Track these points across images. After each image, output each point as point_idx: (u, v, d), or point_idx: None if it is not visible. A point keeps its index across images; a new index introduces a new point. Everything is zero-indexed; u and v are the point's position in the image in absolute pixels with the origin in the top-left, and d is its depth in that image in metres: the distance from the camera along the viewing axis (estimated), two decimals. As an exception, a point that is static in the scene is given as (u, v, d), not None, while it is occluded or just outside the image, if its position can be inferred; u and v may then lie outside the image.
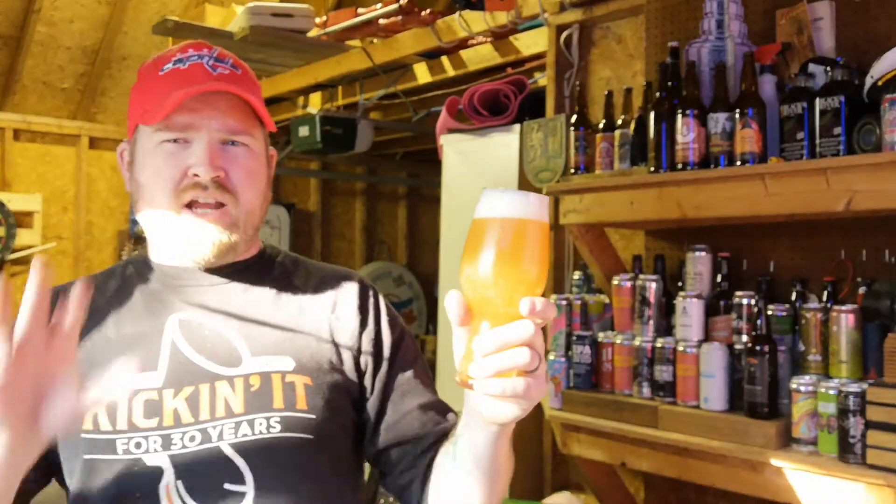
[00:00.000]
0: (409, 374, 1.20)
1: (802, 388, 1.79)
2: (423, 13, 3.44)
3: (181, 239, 1.14)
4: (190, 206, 1.13)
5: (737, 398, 1.94)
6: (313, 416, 1.11)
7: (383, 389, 1.19)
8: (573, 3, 2.75)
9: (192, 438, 1.07)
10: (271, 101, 4.65)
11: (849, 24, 2.02)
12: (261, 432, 1.08)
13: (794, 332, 1.92)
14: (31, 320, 0.87)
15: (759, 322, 1.89)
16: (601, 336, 2.22)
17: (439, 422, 1.17)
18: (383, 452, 1.18)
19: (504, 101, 2.99)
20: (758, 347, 1.86)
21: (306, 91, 4.40)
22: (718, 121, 1.93)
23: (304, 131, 4.17)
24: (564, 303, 2.35)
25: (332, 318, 1.19)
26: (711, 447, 1.90)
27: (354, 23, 3.79)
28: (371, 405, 1.18)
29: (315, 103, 4.48)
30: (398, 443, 1.17)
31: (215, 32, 3.93)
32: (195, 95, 1.12)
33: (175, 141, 1.13)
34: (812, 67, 1.91)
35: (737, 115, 1.91)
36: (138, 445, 1.06)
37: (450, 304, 0.83)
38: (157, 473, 1.05)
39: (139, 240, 5.34)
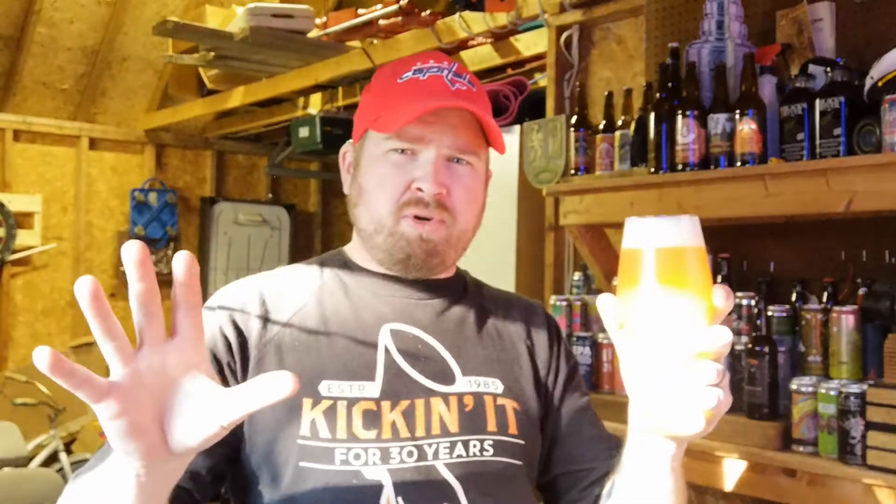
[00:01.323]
0: (583, 403, 1.20)
1: (803, 389, 1.79)
2: (423, 14, 3.44)
3: (397, 245, 1.12)
4: (409, 216, 1.11)
5: (737, 399, 1.94)
6: (523, 442, 1.11)
7: (560, 418, 1.18)
8: (573, 4, 2.75)
9: (410, 454, 1.03)
10: (271, 102, 4.65)
11: (849, 25, 2.02)
12: (475, 454, 1.06)
13: (794, 333, 1.92)
14: (143, 325, 0.71)
15: (759, 323, 1.89)
16: (601, 337, 2.22)
17: (612, 455, 1.11)
18: (552, 481, 1.18)
19: (504, 101, 2.99)
20: (758, 348, 1.86)
21: (306, 92, 4.40)
22: (718, 121, 1.93)
23: (304, 132, 4.17)
24: (564, 304, 2.35)
25: (528, 344, 1.20)
26: (711, 448, 1.90)
27: (354, 23, 3.78)
28: (548, 433, 1.17)
29: (315, 104, 4.48)
30: (569, 472, 1.16)
31: (215, 33, 3.93)
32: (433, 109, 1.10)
33: (403, 151, 1.11)
34: (812, 68, 1.91)
35: (737, 116, 1.91)
36: (357, 457, 1.02)
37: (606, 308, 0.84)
38: (377, 487, 1.01)
39: (139, 240, 5.33)
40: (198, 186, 5.67)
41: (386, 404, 1.05)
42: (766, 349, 1.85)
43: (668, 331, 0.79)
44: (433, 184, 1.09)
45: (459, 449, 1.05)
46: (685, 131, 1.97)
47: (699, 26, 2.11)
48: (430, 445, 1.05)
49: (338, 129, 4.10)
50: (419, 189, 1.10)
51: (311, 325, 1.11)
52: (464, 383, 1.10)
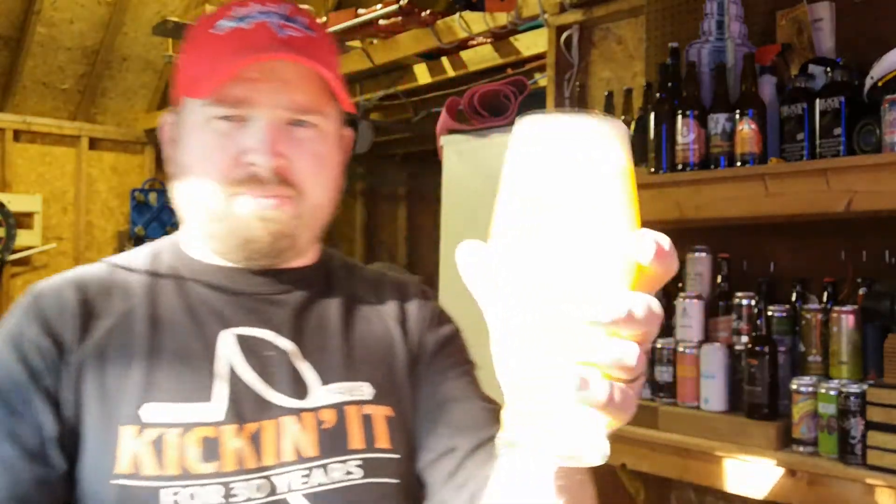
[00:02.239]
0: (457, 373, 1.02)
1: (803, 389, 1.79)
2: (423, 14, 3.44)
3: (232, 230, 0.93)
4: (245, 195, 0.93)
5: (737, 399, 1.94)
6: (398, 456, 0.93)
7: (429, 397, 1.00)
8: (573, 4, 2.74)
9: (259, 488, 0.86)
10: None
11: (849, 25, 2.01)
12: (338, 480, 0.89)
13: (794, 333, 1.92)
14: None
15: (759, 323, 1.89)
16: (601, 337, 2.22)
17: (480, 426, 0.95)
18: (424, 473, 0.97)
19: (504, 101, 2.99)
20: (758, 348, 1.86)
21: (306, 92, 4.40)
22: (718, 121, 1.93)
23: (304, 132, 4.16)
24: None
25: (402, 329, 1.02)
26: (712, 448, 1.90)
27: (354, 23, 3.78)
28: (419, 421, 0.98)
29: (315, 104, 4.47)
30: (436, 458, 0.95)
31: (215, 33, 3.93)
32: (255, 64, 0.91)
33: (228, 119, 0.92)
34: (812, 68, 1.91)
35: (737, 116, 1.91)
36: (192, 497, 0.83)
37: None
38: None
39: (139, 241, 5.34)
40: (198, 186, 5.67)
41: (228, 429, 0.87)
42: (766, 349, 1.85)
43: (553, 291, 0.52)
44: (268, 154, 0.91)
45: (318, 476, 0.88)
46: (685, 131, 1.97)
47: (699, 26, 2.11)
48: (282, 476, 0.87)
49: (338, 129, 4.10)
50: (251, 163, 0.91)
51: (137, 333, 0.91)
52: (322, 395, 0.92)
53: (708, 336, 2.03)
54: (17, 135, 5.04)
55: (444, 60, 3.48)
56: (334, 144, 0.99)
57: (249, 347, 0.93)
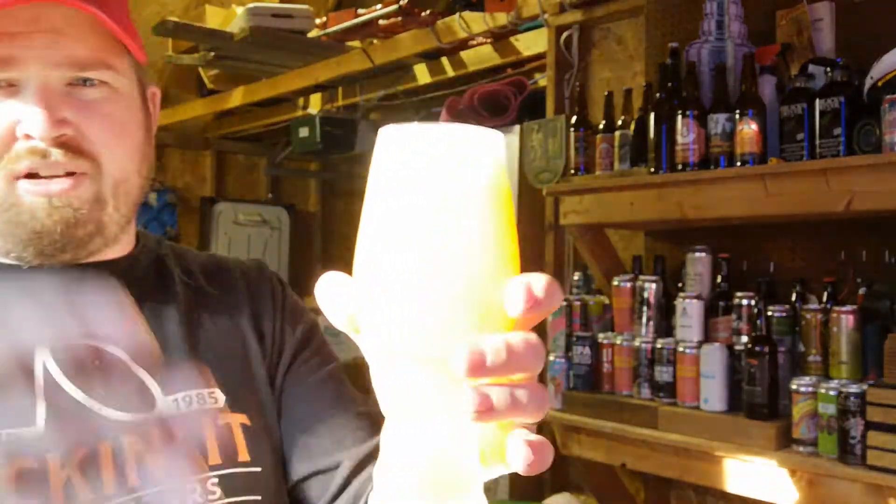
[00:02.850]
0: (322, 374, 0.90)
1: (802, 389, 1.79)
2: (423, 14, 3.44)
3: (17, 222, 0.77)
4: (29, 177, 0.77)
5: (737, 399, 1.94)
6: (259, 469, 0.81)
7: (291, 401, 0.89)
8: (573, 4, 2.74)
9: None
10: (271, 102, 4.65)
11: (849, 25, 2.01)
12: (195, 502, 0.76)
13: (794, 333, 1.92)
14: None
15: (759, 323, 1.89)
16: (601, 337, 2.22)
17: (368, 437, 0.86)
18: (298, 491, 0.87)
19: (504, 101, 2.99)
20: (758, 348, 1.86)
21: (306, 92, 4.40)
22: (718, 121, 1.93)
23: (304, 132, 4.17)
24: (564, 304, 2.35)
25: (253, 322, 0.90)
26: (711, 448, 1.90)
27: (354, 23, 3.78)
28: (282, 426, 0.88)
29: (315, 104, 4.48)
30: (314, 474, 0.86)
31: (215, 33, 3.94)
32: (12, 10, 0.74)
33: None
34: (812, 68, 1.91)
35: (737, 116, 1.91)
36: None
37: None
38: None
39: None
40: (198, 186, 5.67)
41: (53, 457, 0.72)
42: (766, 349, 1.85)
43: (414, 339, 0.45)
44: (47, 122, 0.74)
45: (173, 502, 0.75)
46: (685, 131, 1.97)
47: (699, 26, 2.11)
48: None
49: (338, 130, 4.10)
50: (27, 136, 0.75)
51: None
52: (168, 405, 0.79)
53: (708, 336, 2.03)
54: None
55: (444, 60, 3.48)
56: (133, 105, 0.83)
57: (70, 358, 0.77)
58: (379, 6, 3.63)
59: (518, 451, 0.45)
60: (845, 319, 1.80)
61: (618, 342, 2.16)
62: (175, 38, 4.32)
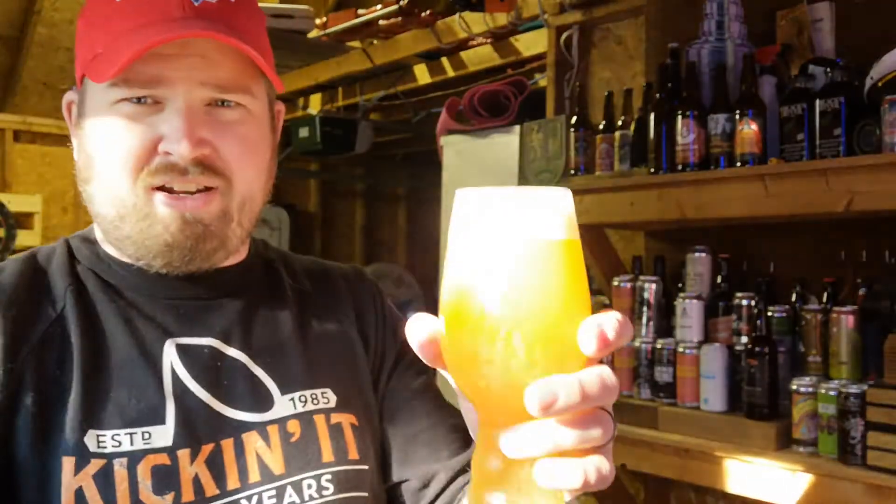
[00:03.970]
0: (418, 385, 0.94)
1: (802, 390, 1.79)
2: (423, 14, 3.44)
3: (151, 232, 0.81)
4: (163, 189, 0.81)
5: (737, 399, 1.94)
6: (367, 467, 0.85)
7: (391, 410, 0.92)
8: (573, 5, 2.74)
9: None
10: (271, 102, 4.66)
11: (849, 25, 2.02)
12: (311, 498, 0.80)
13: (794, 334, 1.92)
14: None
15: (759, 323, 1.88)
16: (601, 337, 2.22)
17: (462, 448, 0.89)
18: (393, 494, 0.91)
19: (504, 101, 2.99)
20: (758, 348, 1.86)
21: (306, 92, 4.41)
22: (718, 122, 1.93)
23: (304, 132, 4.17)
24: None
25: (358, 325, 0.94)
26: (711, 448, 1.90)
27: (354, 24, 3.78)
28: (390, 435, 0.92)
29: (315, 104, 4.48)
30: (408, 480, 0.90)
31: (215, 33, 3.93)
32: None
33: (139, 101, 0.79)
34: (812, 68, 1.91)
35: (737, 116, 1.91)
36: None
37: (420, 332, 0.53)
38: None
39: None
40: (198, 187, 5.67)
41: (183, 454, 0.77)
42: (766, 349, 1.85)
43: (484, 380, 0.50)
44: (188, 141, 0.78)
45: (291, 496, 0.79)
46: (685, 131, 1.97)
47: (699, 27, 2.11)
48: (249, 499, 0.78)
49: (338, 130, 4.10)
50: (168, 153, 0.79)
51: (72, 345, 0.79)
52: (285, 404, 0.83)
53: (708, 336, 2.03)
54: (17, 135, 5.04)
55: (444, 61, 3.48)
56: (265, 126, 0.87)
57: (195, 359, 0.82)
58: (379, 6, 3.63)
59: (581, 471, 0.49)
60: (845, 320, 1.80)
61: (618, 342, 2.16)
62: (175, 39, 4.32)
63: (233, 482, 0.78)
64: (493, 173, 2.94)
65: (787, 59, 2.07)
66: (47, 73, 4.99)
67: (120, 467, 0.75)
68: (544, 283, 0.49)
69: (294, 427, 0.83)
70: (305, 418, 0.83)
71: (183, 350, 0.82)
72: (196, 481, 0.77)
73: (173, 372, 0.81)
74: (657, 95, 2.10)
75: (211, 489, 0.77)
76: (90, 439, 0.76)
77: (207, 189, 0.81)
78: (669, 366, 2.04)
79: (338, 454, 0.83)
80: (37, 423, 0.75)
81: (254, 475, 0.79)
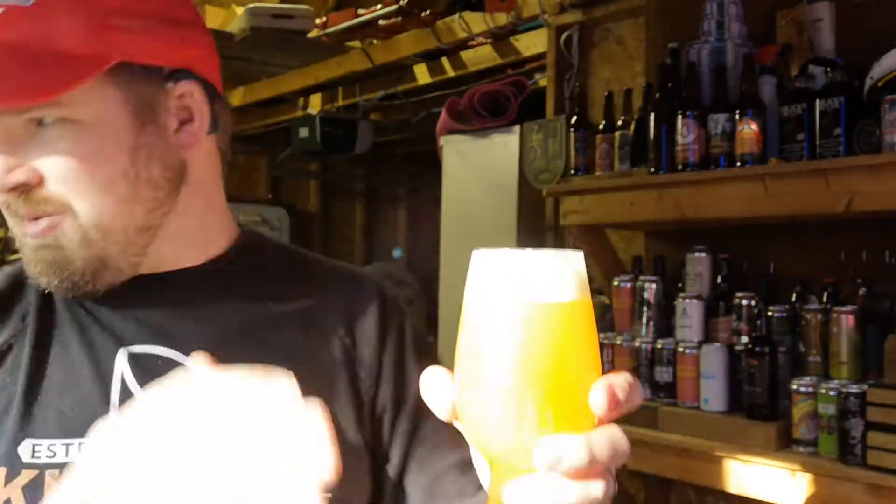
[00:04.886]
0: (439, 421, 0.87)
1: (802, 390, 1.79)
2: (422, 14, 3.44)
3: (27, 260, 0.77)
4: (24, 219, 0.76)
5: (737, 399, 1.94)
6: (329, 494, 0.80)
7: (407, 442, 0.84)
8: (573, 5, 2.74)
9: None
10: (272, 102, 4.66)
11: (849, 25, 2.01)
12: None
13: (794, 334, 1.92)
14: None
15: (759, 323, 1.88)
16: (601, 337, 2.22)
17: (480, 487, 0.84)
18: None
19: (504, 102, 2.99)
20: (758, 348, 1.86)
21: (306, 92, 4.40)
22: (718, 122, 1.93)
23: (303, 132, 4.17)
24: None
25: (348, 341, 0.84)
26: (711, 448, 1.90)
27: (354, 24, 3.78)
28: (392, 464, 0.84)
29: (315, 104, 4.48)
30: None
31: (215, 33, 3.93)
32: None
33: None
34: (812, 68, 1.91)
35: (737, 116, 1.91)
36: None
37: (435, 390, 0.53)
38: None
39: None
40: (198, 187, 5.67)
41: None
42: (766, 349, 1.85)
43: (495, 440, 0.52)
44: None
45: None
46: (685, 131, 1.97)
47: (699, 27, 2.11)
48: None
49: (338, 130, 4.10)
50: None
51: (26, 351, 0.78)
52: None
53: (708, 336, 2.03)
54: (17, 135, 5.04)
55: (444, 61, 3.48)
56: (112, 129, 0.75)
57: (145, 368, 0.77)
58: (379, 6, 3.63)
59: None
60: (845, 320, 1.80)
61: (618, 342, 2.16)
62: (175, 39, 4.32)
63: None
64: (493, 173, 2.94)
65: (787, 59, 2.07)
66: (47, 73, 4.99)
67: (51, 479, 0.71)
68: (556, 346, 0.51)
69: None
70: None
71: (135, 359, 0.77)
72: None
73: (123, 381, 0.76)
74: (657, 95, 2.10)
75: None
76: (24, 449, 0.73)
77: (51, 218, 0.74)
78: (669, 366, 2.04)
79: None
80: None
81: None
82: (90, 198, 0.73)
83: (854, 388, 1.69)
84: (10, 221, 0.76)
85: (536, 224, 2.85)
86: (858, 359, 1.79)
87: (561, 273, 0.52)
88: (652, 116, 2.06)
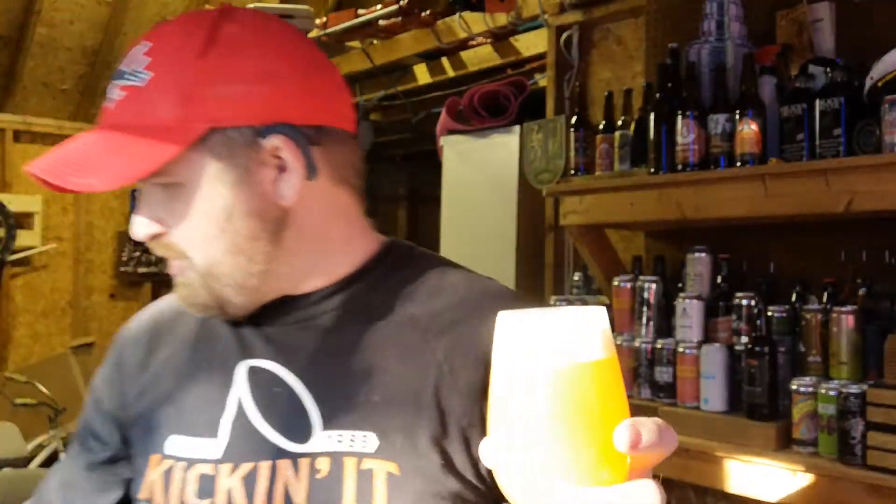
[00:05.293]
0: None
1: (802, 390, 1.79)
2: (423, 14, 3.44)
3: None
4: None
5: (737, 399, 1.94)
6: None
7: None
8: (573, 5, 2.75)
9: None
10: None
11: (849, 25, 2.02)
12: None
13: (794, 334, 1.92)
14: None
15: (759, 323, 1.88)
16: (601, 337, 2.22)
17: None
18: None
19: (504, 102, 2.99)
20: (758, 348, 1.86)
21: (306, 92, 4.40)
22: (718, 122, 1.93)
23: (304, 132, 4.17)
24: (565, 304, 2.35)
25: (445, 367, 0.83)
26: (711, 448, 1.90)
27: (354, 24, 3.78)
28: None
29: (315, 104, 4.48)
30: None
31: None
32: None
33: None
34: (812, 68, 1.91)
35: (737, 117, 1.91)
36: None
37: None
38: None
39: (139, 241, 5.33)
40: (198, 187, 5.68)
41: (225, 468, 0.84)
42: (766, 349, 1.85)
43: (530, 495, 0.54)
44: (134, 226, 0.87)
45: None
46: (685, 132, 1.97)
47: (699, 27, 2.11)
48: None
49: (338, 130, 4.10)
50: None
51: (182, 364, 0.92)
52: (321, 440, 0.82)
53: (708, 336, 2.03)
54: (18, 135, 5.04)
55: (444, 61, 3.48)
56: (210, 190, 0.83)
57: (258, 381, 0.87)
58: (379, 6, 3.63)
59: None
60: (845, 320, 1.80)
61: (618, 342, 2.16)
62: (175, 39, 4.32)
63: (258, 501, 0.82)
64: (493, 174, 2.94)
65: (787, 59, 2.07)
66: (47, 73, 4.99)
67: (179, 471, 0.86)
68: (586, 407, 0.53)
69: (323, 464, 0.82)
70: (336, 458, 0.81)
71: (252, 371, 0.87)
72: (229, 495, 0.83)
73: (239, 392, 0.87)
74: (657, 95, 2.10)
75: (239, 503, 0.83)
76: (169, 443, 0.87)
77: (178, 263, 0.87)
78: (669, 366, 2.04)
79: (360, 500, 0.80)
80: (146, 424, 0.91)
81: (278, 500, 0.82)
82: (199, 249, 0.85)
83: (854, 389, 1.69)
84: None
85: (536, 224, 2.86)
86: (858, 359, 1.79)
87: (587, 334, 0.54)
88: (652, 116, 2.06)
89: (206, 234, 0.84)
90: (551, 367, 0.52)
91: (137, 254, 5.37)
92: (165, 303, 0.99)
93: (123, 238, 5.37)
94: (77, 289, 5.22)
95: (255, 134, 0.83)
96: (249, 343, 0.89)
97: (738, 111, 1.91)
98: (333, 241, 0.90)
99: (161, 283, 5.51)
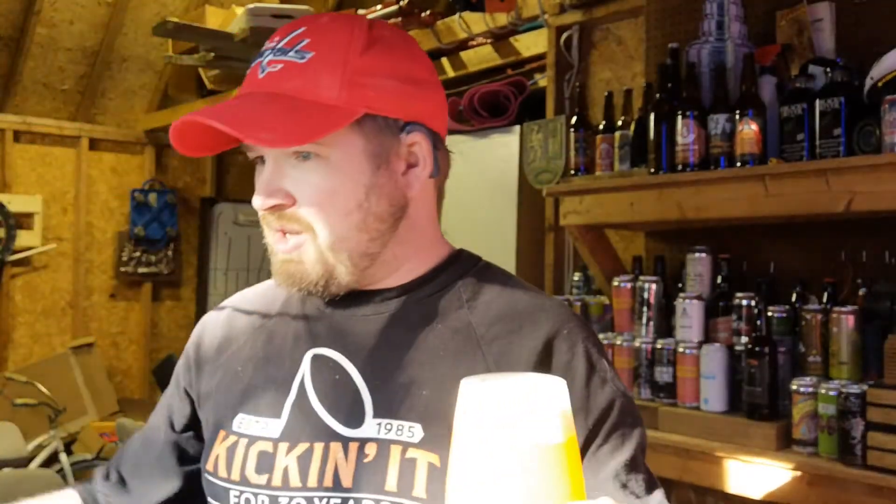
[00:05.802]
0: (614, 467, 0.94)
1: (802, 390, 1.79)
2: (422, 14, 3.44)
3: (274, 269, 0.95)
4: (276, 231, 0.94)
5: (737, 399, 1.94)
6: None
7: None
8: (573, 5, 2.75)
9: None
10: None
11: (849, 26, 2.02)
12: None
13: (794, 334, 1.92)
14: None
15: (759, 323, 1.89)
16: (601, 337, 2.22)
17: None
18: None
19: (504, 102, 2.99)
20: (758, 349, 1.86)
21: (306, 92, 4.40)
22: (718, 122, 1.93)
23: (304, 132, 4.16)
24: (565, 304, 2.35)
25: (491, 371, 0.90)
26: (711, 448, 1.90)
27: (354, 24, 3.78)
28: None
29: (315, 104, 4.48)
30: None
31: (215, 34, 3.93)
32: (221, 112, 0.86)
33: (258, 160, 0.93)
34: (812, 68, 1.91)
35: (737, 117, 1.91)
36: (248, 501, 0.91)
37: None
38: None
39: (139, 241, 5.33)
40: (198, 187, 5.67)
41: (283, 446, 0.91)
42: (766, 349, 1.85)
43: None
44: (261, 195, 0.90)
45: None
46: (685, 132, 1.97)
47: (699, 27, 2.11)
48: (320, 499, 0.88)
49: (338, 130, 4.10)
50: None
51: (256, 348, 1.00)
52: (371, 427, 0.89)
53: (708, 336, 2.03)
54: (18, 135, 5.04)
55: (444, 61, 3.48)
56: (351, 170, 0.90)
57: (321, 367, 0.94)
58: (379, 6, 3.62)
59: None
60: (845, 320, 1.80)
61: (618, 343, 2.16)
62: (175, 39, 4.31)
63: (311, 481, 0.89)
64: (493, 174, 2.94)
65: (787, 59, 2.08)
66: (47, 73, 4.98)
67: (242, 447, 0.93)
68: (544, 486, 0.55)
69: (371, 449, 0.88)
70: (383, 445, 0.88)
71: (316, 359, 0.94)
72: (286, 472, 0.90)
73: (302, 377, 0.94)
74: (657, 95, 2.10)
75: (295, 481, 0.89)
76: (237, 419, 0.95)
77: (296, 235, 0.91)
78: (669, 366, 2.04)
79: (401, 486, 0.86)
80: (218, 402, 0.98)
81: (328, 480, 0.88)
82: (330, 223, 0.90)
83: (854, 389, 1.69)
84: (267, 235, 0.94)
85: (536, 224, 2.85)
86: (858, 359, 1.79)
87: (547, 416, 0.56)
88: (652, 116, 2.06)
89: (343, 208, 0.90)
90: (509, 445, 0.55)
91: (137, 254, 5.36)
92: (248, 293, 1.07)
93: (123, 238, 5.36)
94: (77, 289, 5.22)
95: (399, 127, 0.93)
96: (318, 333, 0.96)
97: (738, 111, 1.91)
98: (427, 238, 1.00)
99: (161, 283, 5.51)
